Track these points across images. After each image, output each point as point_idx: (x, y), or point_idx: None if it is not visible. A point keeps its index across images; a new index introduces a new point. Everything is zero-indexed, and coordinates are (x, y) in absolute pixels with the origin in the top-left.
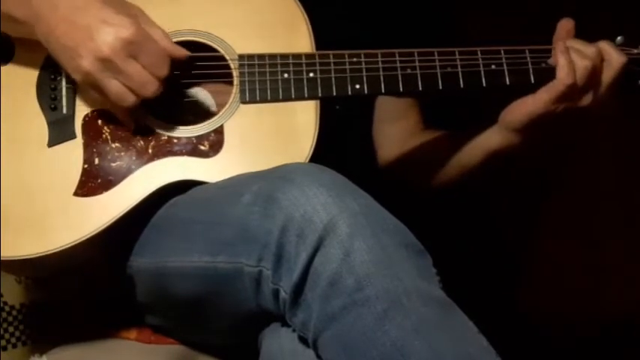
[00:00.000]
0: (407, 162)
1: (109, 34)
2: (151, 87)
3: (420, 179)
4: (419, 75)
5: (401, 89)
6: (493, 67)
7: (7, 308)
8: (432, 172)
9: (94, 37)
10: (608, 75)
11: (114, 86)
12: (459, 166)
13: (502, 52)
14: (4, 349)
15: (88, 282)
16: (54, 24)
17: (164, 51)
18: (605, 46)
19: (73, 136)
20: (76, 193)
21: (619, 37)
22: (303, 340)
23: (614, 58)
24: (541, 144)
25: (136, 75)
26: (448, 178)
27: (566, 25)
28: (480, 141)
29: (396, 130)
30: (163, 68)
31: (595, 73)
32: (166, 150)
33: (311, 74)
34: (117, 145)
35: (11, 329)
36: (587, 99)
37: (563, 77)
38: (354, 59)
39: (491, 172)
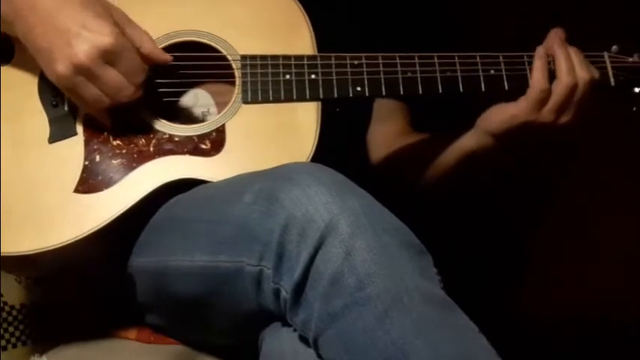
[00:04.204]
0: (390, 162)
1: (87, 41)
2: (126, 92)
3: (402, 179)
4: (419, 79)
5: (401, 92)
6: (492, 72)
7: (7, 308)
8: (411, 172)
9: (71, 42)
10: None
11: (89, 90)
12: (435, 167)
13: (501, 57)
14: (4, 349)
15: (88, 282)
16: (32, 24)
17: (142, 59)
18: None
19: (74, 133)
20: (76, 190)
21: (614, 46)
22: (303, 339)
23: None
24: (516, 152)
25: (112, 81)
26: (426, 179)
27: (557, 33)
28: (455, 143)
29: (383, 130)
30: (140, 75)
31: (577, 93)
32: (167, 148)
33: (313, 76)
34: (118, 142)
35: (11, 329)
36: (566, 117)
37: (535, 82)
38: (356, 62)
39: (467, 175)
